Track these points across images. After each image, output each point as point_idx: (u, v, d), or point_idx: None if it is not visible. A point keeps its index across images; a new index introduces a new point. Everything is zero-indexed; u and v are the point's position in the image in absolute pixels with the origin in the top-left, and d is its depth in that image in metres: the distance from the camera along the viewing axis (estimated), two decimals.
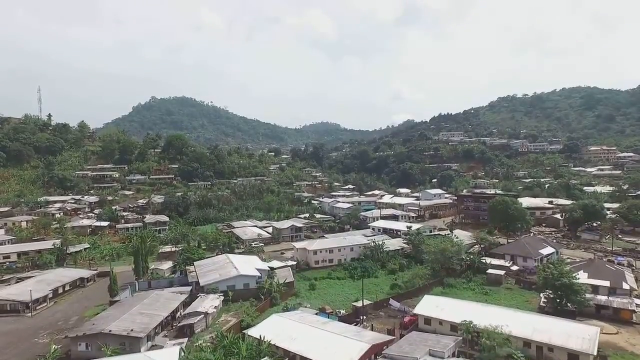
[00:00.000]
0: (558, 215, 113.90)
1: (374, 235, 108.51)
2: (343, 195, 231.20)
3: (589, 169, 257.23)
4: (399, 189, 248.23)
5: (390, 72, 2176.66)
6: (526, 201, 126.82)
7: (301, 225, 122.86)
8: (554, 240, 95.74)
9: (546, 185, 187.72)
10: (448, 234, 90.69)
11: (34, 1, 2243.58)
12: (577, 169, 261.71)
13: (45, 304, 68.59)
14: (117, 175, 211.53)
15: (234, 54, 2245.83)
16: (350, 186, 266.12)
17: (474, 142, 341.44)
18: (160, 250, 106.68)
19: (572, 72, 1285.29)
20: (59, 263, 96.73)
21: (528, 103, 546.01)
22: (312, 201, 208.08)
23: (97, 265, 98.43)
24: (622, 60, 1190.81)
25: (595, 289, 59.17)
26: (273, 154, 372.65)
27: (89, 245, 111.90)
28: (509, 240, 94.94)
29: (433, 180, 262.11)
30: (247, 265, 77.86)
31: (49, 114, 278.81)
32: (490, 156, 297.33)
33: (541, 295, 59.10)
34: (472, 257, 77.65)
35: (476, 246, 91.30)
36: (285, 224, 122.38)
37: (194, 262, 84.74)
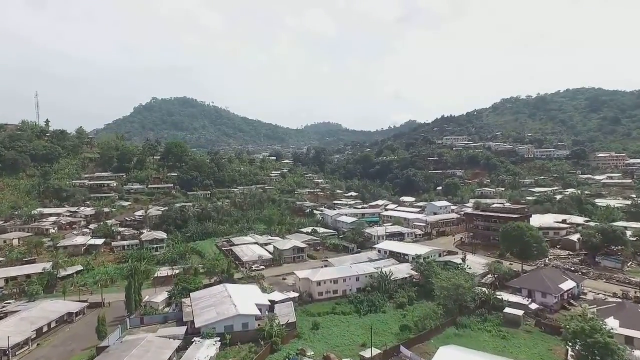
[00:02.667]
0: (574, 237, 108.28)
1: (380, 259, 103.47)
2: (346, 204, 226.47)
3: (597, 177, 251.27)
4: (403, 197, 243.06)
5: (391, 71, 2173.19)
6: (538, 220, 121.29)
7: (303, 246, 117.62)
8: (572, 268, 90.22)
9: (556, 197, 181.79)
10: (460, 264, 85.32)
11: (35, 1, 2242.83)
12: (585, 176, 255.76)
13: (27, 346, 63.51)
14: (114, 185, 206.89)
15: (236, 54, 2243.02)
16: (353, 193, 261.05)
17: (479, 147, 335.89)
18: (156, 274, 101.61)
19: (575, 72, 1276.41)
20: (49, 290, 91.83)
21: (532, 105, 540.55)
22: (314, 211, 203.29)
23: (91, 290, 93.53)
24: (626, 61, 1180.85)
25: (629, 340, 53.85)
26: (274, 158, 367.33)
27: (81, 267, 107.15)
28: (524, 268, 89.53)
29: (438, 188, 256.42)
30: (247, 300, 72.72)
31: (47, 119, 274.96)
32: (496, 162, 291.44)
33: (568, 347, 53.64)
34: (487, 292, 72.21)
35: (489, 275, 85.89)
36: (286, 244, 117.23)
37: (190, 294, 79.73)
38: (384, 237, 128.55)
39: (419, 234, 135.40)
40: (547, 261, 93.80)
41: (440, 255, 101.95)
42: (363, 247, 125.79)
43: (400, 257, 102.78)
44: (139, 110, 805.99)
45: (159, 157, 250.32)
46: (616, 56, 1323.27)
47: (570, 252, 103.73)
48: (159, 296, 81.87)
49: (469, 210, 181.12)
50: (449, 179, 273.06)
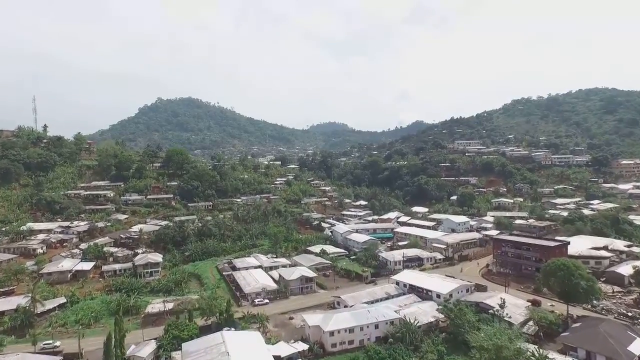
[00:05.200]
0: (622, 270, 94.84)
1: (400, 295, 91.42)
2: (355, 216, 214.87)
3: (621, 186, 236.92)
4: (414, 208, 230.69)
5: (397, 71, 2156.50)
6: (575, 245, 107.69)
7: (312, 275, 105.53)
8: (629, 313, 77.02)
9: (583, 211, 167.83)
10: (497, 311, 72.56)
11: (40, 2, 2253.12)
12: (609, 185, 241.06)
13: None
14: (111, 195, 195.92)
15: (241, 54, 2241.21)
16: (362, 202, 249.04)
17: (493, 153, 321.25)
18: (147, 310, 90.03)
19: (587, 71, 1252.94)
20: (21, 333, 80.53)
21: (543, 106, 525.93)
22: (322, 224, 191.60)
23: (70, 331, 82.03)
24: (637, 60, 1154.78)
25: None
26: (280, 163, 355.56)
27: (64, 300, 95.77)
28: (569, 311, 76.70)
29: (451, 198, 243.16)
30: (247, 355, 61.10)
31: (45, 125, 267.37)
32: (512, 169, 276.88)
33: None
34: (537, 355, 59.47)
35: (530, 322, 73.13)
36: (293, 272, 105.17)
37: (182, 345, 68.14)
38: (402, 263, 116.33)
39: (439, 259, 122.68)
40: (595, 302, 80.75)
41: (468, 292, 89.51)
42: (378, 275, 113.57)
43: (422, 293, 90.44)
44: (144, 111, 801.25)
45: (159, 165, 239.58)
46: (630, 55, 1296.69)
47: (620, 289, 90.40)
48: (146, 348, 70.16)
49: (489, 226, 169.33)
50: (462, 187, 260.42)
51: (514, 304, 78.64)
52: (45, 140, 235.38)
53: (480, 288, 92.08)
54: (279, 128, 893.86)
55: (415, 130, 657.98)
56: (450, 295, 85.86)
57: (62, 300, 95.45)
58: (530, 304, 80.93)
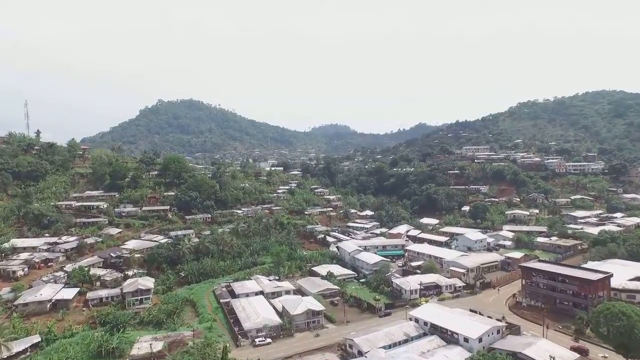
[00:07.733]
0: None
1: (421, 337, 79.50)
2: (362, 228, 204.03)
3: None
4: (424, 220, 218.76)
5: (399, 71, 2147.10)
6: (616, 276, 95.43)
7: (320, 308, 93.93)
8: None
9: (610, 228, 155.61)
10: None
11: (41, 1, 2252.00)
12: (630, 196, 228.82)
13: None
14: (105, 207, 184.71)
15: (244, 55, 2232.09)
16: (369, 212, 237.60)
17: (503, 160, 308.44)
18: (132, 353, 78.59)
19: (591, 73, 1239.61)
20: None
21: (550, 109, 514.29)
22: (327, 237, 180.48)
23: None
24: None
25: None
26: (282, 168, 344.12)
27: (39, 339, 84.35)
28: None
29: (462, 209, 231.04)
30: None
31: (37, 130, 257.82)
32: (524, 178, 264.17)
33: None
34: None
35: None
36: (299, 305, 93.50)
37: None
38: (418, 292, 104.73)
39: (459, 286, 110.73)
40: None
41: (499, 333, 77.78)
42: (393, 306, 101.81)
43: (446, 334, 78.79)
44: (145, 114, 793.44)
45: (156, 173, 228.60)
46: (635, 56, 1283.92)
47: None
48: None
49: (508, 244, 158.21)
50: (473, 197, 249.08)
51: (559, 357, 66.89)
52: (36, 147, 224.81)
53: (513, 329, 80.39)
54: (280, 130, 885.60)
55: (418, 133, 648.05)
56: (480, 340, 74.29)
57: (36, 339, 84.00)
58: (577, 354, 69.28)
